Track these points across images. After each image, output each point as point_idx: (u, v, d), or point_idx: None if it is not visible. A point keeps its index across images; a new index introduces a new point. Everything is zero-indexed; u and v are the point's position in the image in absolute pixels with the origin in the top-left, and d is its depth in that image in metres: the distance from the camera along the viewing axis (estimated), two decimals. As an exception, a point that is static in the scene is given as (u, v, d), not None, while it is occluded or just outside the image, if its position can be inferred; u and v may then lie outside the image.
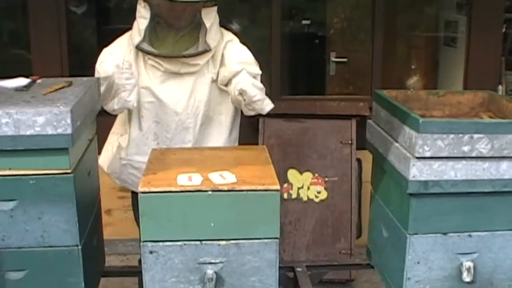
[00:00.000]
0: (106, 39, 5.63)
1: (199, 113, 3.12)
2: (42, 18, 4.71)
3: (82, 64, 5.25)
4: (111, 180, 4.36)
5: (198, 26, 3.07)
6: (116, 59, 2.94)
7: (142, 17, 3.01)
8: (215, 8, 3.06)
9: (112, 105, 3.01)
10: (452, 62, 5.62)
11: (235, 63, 3.06)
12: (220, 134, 3.20)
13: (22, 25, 5.23)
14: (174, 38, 3.10)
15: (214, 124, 3.19)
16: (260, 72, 3.10)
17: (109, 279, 3.20)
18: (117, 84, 2.90)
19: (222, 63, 3.12)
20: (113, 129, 3.33)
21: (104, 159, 3.30)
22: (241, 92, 2.84)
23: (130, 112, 3.16)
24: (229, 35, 3.19)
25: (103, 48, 3.05)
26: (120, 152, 3.22)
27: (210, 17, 3.02)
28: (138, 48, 3.03)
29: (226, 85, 3.12)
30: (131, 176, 3.20)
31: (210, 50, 3.04)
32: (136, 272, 3.07)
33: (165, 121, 3.11)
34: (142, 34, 3.01)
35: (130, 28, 3.16)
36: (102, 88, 2.87)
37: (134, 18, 3.09)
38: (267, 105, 2.92)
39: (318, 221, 4.49)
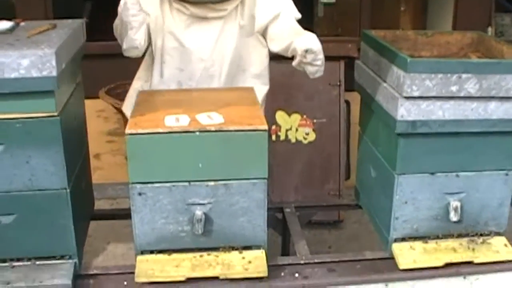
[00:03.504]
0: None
1: (226, 60, 2.94)
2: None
3: (66, 7, 5.19)
4: (99, 124, 4.34)
5: None
6: (142, 1, 2.85)
7: None
8: None
9: (122, 46, 2.92)
10: (441, 3, 5.58)
11: (270, 7, 2.92)
12: (256, 86, 2.95)
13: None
14: None
15: (246, 75, 3.02)
16: (299, 15, 2.95)
17: (99, 223, 3.21)
18: (125, 22, 2.80)
19: (254, 7, 2.93)
20: (138, 75, 3.17)
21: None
22: (307, 51, 2.65)
23: (153, 57, 3.03)
24: None
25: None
26: None
27: None
28: None
29: (264, 33, 2.98)
30: None
31: None
32: (125, 214, 3.08)
33: (189, 68, 2.95)
34: None
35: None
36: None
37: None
38: (319, 72, 2.76)
39: (306, 163, 4.49)
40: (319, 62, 2.71)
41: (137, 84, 3.14)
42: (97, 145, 4.22)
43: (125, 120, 4.35)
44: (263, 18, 2.92)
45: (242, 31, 2.94)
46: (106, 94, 4.40)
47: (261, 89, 3.05)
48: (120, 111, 4.38)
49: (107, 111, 4.74)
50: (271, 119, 4.39)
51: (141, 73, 3.14)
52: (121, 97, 4.44)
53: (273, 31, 2.94)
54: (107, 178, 4.69)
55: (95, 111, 4.70)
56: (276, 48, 2.95)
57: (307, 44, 2.67)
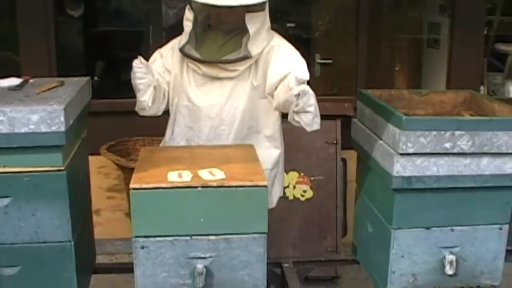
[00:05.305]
0: (93, 41, 5.70)
1: (235, 120, 2.98)
2: (30, 20, 4.74)
3: (70, 66, 5.31)
4: (99, 180, 4.39)
5: (247, 30, 2.89)
6: (165, 60, 3.01)
7: (187, 20, 2.94)
8: (263, 13, 2.91)
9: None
10: (435, 64, 5.70)
11: (281, 67, 2.92)
12: (268, 150, 3.05)
13: (8, 27, 5.25)
14: (221, 41, 3.01)
15: (260, 137, 3.06)
16: (308, 77, 2.73)
17: (98, 278, 3.24)
18: (133, 85, 2.86)
19: (267, 69, 2.96)
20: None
21: None
22: (300, 94, 2.63)
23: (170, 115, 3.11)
24: (277, 40, 3.01)
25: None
26: None
27: (255, 22, 2.87)
28: (180, 51, 2.96)
29: (273, 93, 2.97)
30: None
31: (250, 57, 2.90)
32: (126, 268, 3.12)
33: (197, 126, 3.01)
34: (187, 37, 2.94)
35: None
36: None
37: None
38: (315, 123, 2.76)
39: (304, 220, 4.53)
40: (312, 109, 2.71)
41: (163, 141, 3.21)
42: (97, 201, 4.25)
43: (125, 176, 4.44)
44: (273, 78, 2.94)
45: (256, 92, 2.99)
46: (107, 151, 4.46)
47: (273, 153, 3.09)
48: (120, 167, 4.45)
49: (108, 167, 4.80)
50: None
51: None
52: (122, 153, 4.52)
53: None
54: (107, 234, 4.71)
55: (96, 167, 4.75)
56: (274, 104, 2.96)
57: (298, 87, 2.64)
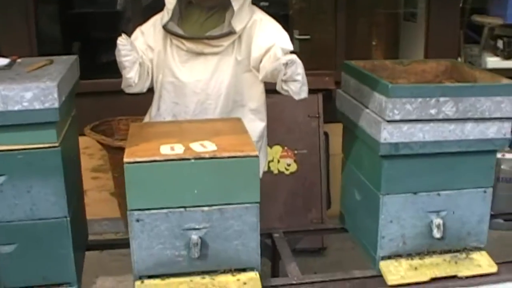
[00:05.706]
0: (72, 22, 5.66)
1: (221, 94, 3.02)
2: (8, 1, 4.71)
3: (51, 46, 5.28)
4: (84, 161, 4.40)
5: (229, 5, 2.94)
6: (147, 38, 3.03)
7: None
8: None
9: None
10: (412, 37, 5.75)
11: (265, 40, 2.96)
12: (253, 122, 3.09)
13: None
14: (204, 17, 3.03)
15: (245, 110, 3.10)
16: (292, 47, 2.93)
17: (86, 257, 3.25)
18: (118, 62, 2.87)
19: (250, 43, 3.00)
20: (149, 109, 3.25)
21: None
22: (288, 63, 2.68)
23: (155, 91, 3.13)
24: (258, 14, 3.06)
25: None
26: None
27: None
28: (163, 28, 2.98)
29: (258, 67, 3.02)
30: None
31: (235, 32, 2.94)
32: (120, 244, 3.16)
33: (184, 101, 3.04)
34: (170, 14, 2.96)
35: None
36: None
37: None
38: (303, 92, 2.79)
39: (289, 193, 4.59)
40: (299, 77, 2.73)
41: (146, 118, 3.24)
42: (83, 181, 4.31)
43: (110, 156, 4.46)
44: (257, 51, 2.98)
45: (240, 66, 3.03)
46: (92, 131, 4.47)
47: (258, 125, 3.14)
48: (105, 147, 4.47)
49: (92, 148, 4.81)
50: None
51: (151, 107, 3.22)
52: (106, 133, 4.54)
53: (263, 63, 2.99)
54: (93, 214, 4.68)
55: (80, 148, 4.76)
56: (261, 75, 3.01)
57: (286, 56, 2.71)
